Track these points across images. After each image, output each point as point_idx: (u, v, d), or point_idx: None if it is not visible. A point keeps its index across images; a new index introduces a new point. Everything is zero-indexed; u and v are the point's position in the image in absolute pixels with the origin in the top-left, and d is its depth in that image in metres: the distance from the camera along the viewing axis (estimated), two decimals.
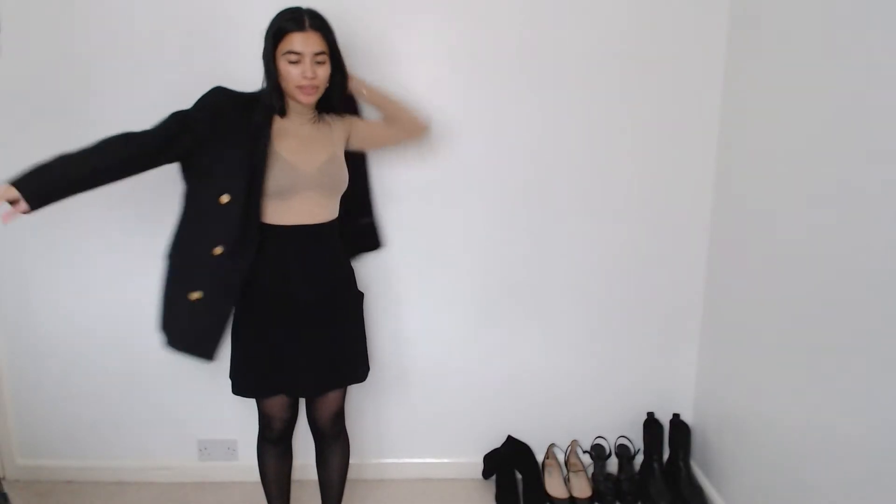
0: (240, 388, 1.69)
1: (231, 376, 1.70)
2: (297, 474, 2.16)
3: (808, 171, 1.54)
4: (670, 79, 1.98)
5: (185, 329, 1.62)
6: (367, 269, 2.05)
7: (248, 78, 1.97)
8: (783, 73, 1.66)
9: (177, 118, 1.56)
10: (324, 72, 1.55)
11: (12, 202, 1.38)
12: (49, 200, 1.42)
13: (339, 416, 1.80)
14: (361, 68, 1.94)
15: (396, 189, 2.03)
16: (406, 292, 2.12)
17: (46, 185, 1.41)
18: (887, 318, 1.28)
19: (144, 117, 1.97)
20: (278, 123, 1.61)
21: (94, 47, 1.93)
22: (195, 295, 1.56)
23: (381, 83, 1.94)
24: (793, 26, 1.62)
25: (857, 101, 1.38)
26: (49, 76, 1.96)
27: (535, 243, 2.10)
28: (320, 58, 1.53)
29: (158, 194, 2.02)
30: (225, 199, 1.51)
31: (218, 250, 1.53)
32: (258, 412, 1.77)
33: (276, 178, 1.55)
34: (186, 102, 1.96)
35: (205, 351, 1.59)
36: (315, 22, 1.52)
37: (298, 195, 1.59)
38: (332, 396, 1.75)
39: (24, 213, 1.38)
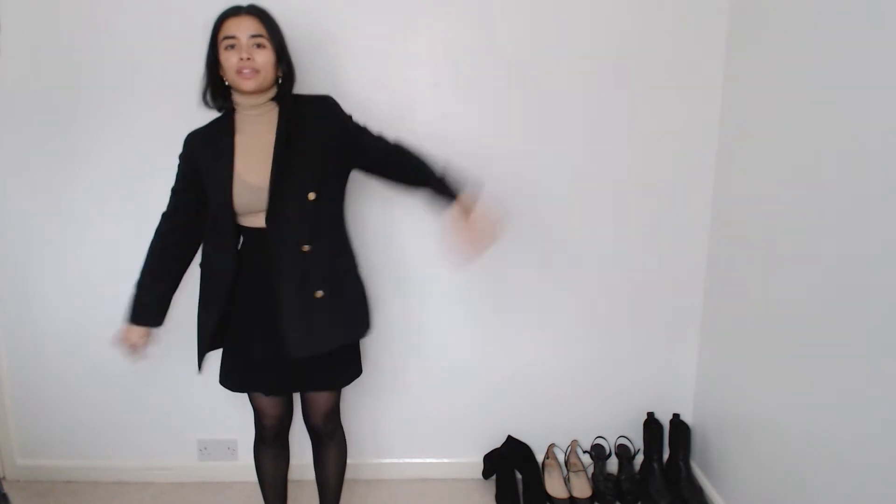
0: (222, 378, 1.70)
1: (220, 366, 1.70)
2: (295, 474, 2.16)
3: (809, 170, 1.54)
4: (670, 79, 1.98)
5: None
6: (368, 270, 2.05)
7: None
8: (783, 74, 1.66)
9: (173, 190, 1.66)
10: (262, 56, 1.50)
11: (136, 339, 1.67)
12: (162, 313, 1.66)
13: (332, 415, 1.76)
14: (362, 69, 1.95)
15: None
16: (406, 292, 2.12)
17: (150, 308, 1.64)
18: (887, 319, 1.28)
19: (145, 116, 1.98)
20: (239, 136, 1.57)
21: (94, 47, 1.94)
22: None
23: (382, 82, 1.95)
24: (793, 26, 1.62)
25: (857, 101, 1.38)
26: (49, 76, 1.96)
27: (536, 243, 2.10)
28: (258, 41, 1.49)
29: (159, 196, 2.03)
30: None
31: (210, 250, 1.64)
32: (252, 409, 1.77)
33: (239, 197, 1.53)
34: (187, 100, 1.97)
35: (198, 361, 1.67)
36: (252, 9, 1.52)
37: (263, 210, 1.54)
38: (323, 396, 1.71)
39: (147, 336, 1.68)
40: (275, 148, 1.52)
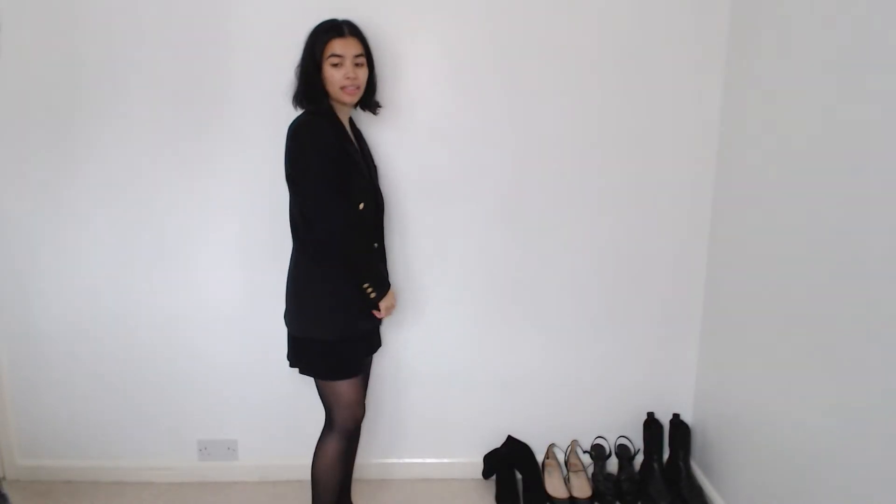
0: (346, 369, 1.74)
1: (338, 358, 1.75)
2: (299, 474, 2.16)
3: (808, 171, 1.54)
4: (671, 79, 1.98)
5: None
6: None
7: (246, 77, 1.98)
8: (783, 74, 1.66)
9: (330, 185, 1.64)
10: (363, 73, 1.71)
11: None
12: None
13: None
14: None
15: (397, 190, 2.03)
16: (406, 293, 2.12)
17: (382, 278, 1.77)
18: (887, 318, 1.28)
19: (144, 116, 1.98)
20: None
21: (93, 47, 1.93)
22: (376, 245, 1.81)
23: (382, 82, 1.95)
24: (793, 26, 1.62)
25: (857, 100, 1.38)
26: (49, 76, 1.96)
27: (536, 243, 2.10)
28: (359, 60, 1.69)
29: (159, 196, 2.03)
30: (362, 205, 1.70)
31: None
32: (343, 404, 1.75)
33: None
34: (186, 101, 1.97)
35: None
36: (353, 29, 1.70)
37: None
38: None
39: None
40: (363, 156, 1.78)
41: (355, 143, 1.75)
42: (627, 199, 2.07)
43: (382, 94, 1.95)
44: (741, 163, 1.88)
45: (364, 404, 1.84)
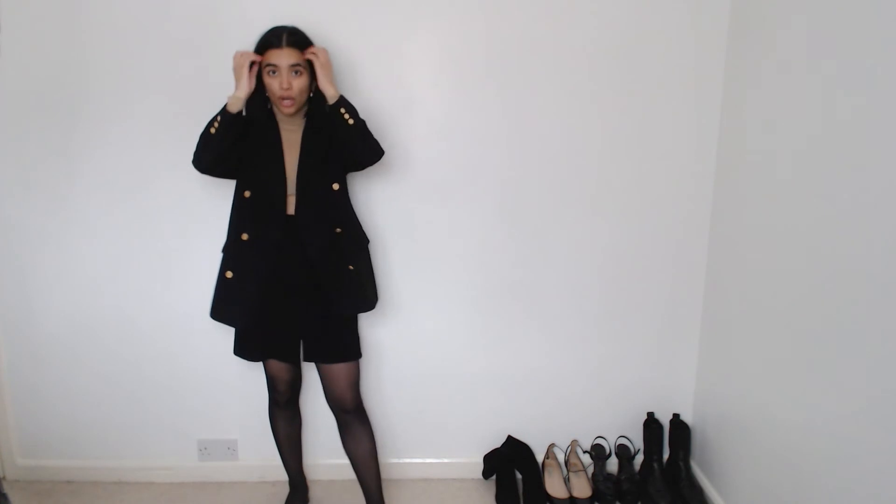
0: (238, 349, 1.88)
1: (235, 340, 1.88)
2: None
3: (808, 171, 1.54)
4: (671, 78, 1.98)
5: None
6: None
7: None
8: (783, 75, 1.66)
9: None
10: (299, 83, 1.68)
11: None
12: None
13: (355, 389, 1.88)
14: (362, 70, 1.95)
15: (395, 190, 2.04)
16: (405, 293, 2.12)
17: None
18: (887, 318, 1.29)
19: (143, 117, 1.98)
20: (283, 134, 1.76)
21: (93, 47, 1.94)
22: (228, 274, 1.78)
23: (382, 83, 1.95)
24: (793, 26, 1.62)
25: (857, 101, 1.38)
26: (49, 76, 1.96)
27: (536, 243, 2.10)
28: (297, 69, 1.67)
29: (159, 196, 2.03)
30: (247, 194, 1.75)
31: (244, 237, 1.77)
32: (266, 377, 1.93)
33: (289, 185, 1.77)
34: (188, 101, 1.98)
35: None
36: (292, 38, 1.68)
37: None
38: (343, 371, 1.85)
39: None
40: (300, 153, 1.75)
41: (280, 147, 1.74)
42: (627, 198, 2.07)
43: (382, 94, 1.95)
44: (741, 163, 1.88)
45: (287, 388, 1.93)
